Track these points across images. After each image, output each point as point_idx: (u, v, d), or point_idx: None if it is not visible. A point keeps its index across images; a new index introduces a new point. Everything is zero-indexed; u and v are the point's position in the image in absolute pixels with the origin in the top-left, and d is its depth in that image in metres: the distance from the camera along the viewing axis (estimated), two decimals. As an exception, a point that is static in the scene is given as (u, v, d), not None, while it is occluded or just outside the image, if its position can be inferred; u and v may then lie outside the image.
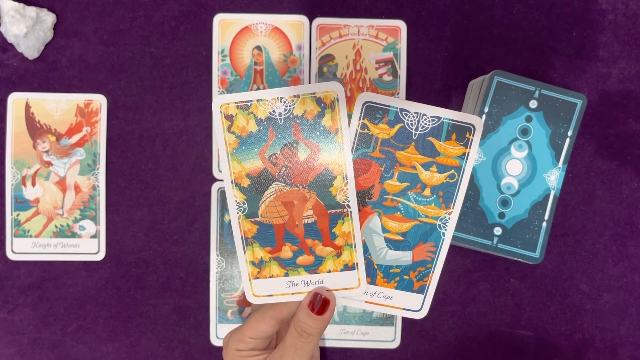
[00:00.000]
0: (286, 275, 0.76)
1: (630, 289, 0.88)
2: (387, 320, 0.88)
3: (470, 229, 0.78)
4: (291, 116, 0.74)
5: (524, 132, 0.77)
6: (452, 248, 0.87)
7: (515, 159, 0.78)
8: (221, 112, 0.74)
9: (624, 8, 0.88)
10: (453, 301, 0.88)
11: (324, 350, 0.88)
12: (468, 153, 0.75)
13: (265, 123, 0.74)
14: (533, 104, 0.77)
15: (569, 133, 0.77)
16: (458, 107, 0.87)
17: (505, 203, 0.78)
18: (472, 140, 0.76)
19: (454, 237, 0.78)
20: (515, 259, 0.79)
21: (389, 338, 0.88)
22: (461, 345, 0.88)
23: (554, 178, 0.78)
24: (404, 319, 0.88)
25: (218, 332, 0.88)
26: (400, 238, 0.77)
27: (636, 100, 0.88)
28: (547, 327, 0.88)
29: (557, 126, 0.77)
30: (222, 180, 0.87)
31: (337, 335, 0.88)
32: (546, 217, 0.78)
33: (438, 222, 0.76)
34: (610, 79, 0.88)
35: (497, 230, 0.78)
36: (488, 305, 0.88)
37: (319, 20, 0.88)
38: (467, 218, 0.78)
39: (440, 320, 0.88)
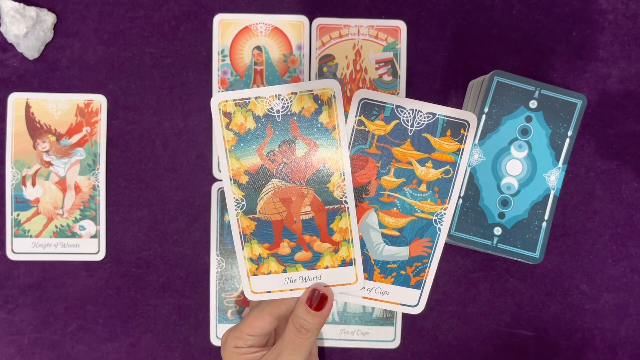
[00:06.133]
0: (284, 271, 0.76)
1: (630, 289, 0.88)
2: (387, 320, 0.88)
3: (470, 229, 0.78)
4: (289, 113, 0.74)
5: (524, 132, 0.77)
6: (452, 248, 0.87)
7: (515, 159, 0.78)
8: (219, 109, 0.75)
9: (624, 8, 0.88)
10: (453, 301, 0.88)
11: (323, 350, 0.88)
12: (463, 149, 0.76)
13: (263, 120, 0.75)
14: (533, 104, 0.77)
15: (569, 133, 0.77)
16: (458, 107, 0.87)
17: (505, 203, 0.78)
18: (466, 136, 0.76)
19: (454, 237, 0.78)
20: (515, 259, 0.79)
21: (389, 338, 0.88)
22: (461, 345, 0.88)
23: (554, 178, 0.78)
24: (404, 319, 0.88)
25: (218, 332, 0.88)
26: (397, 233, 0.77)
27: (636, 100, 0.87)
28: (547, 327, 0.88)
29: (557, 126, 0.77)
30: (222, 180, 0.87)
31: (336, 335, 0.88)
32: (546, 217, 0.78)
33: (434, 218, 0.76)
34: (610, 79, 0.88)
35: (497, 230, 0.78)
36: (488, 305, 0.88)
37: (319, 20, 0.88)
38: (467, 218, 0.78)
39: (440, 320, 0.88)
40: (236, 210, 0.75)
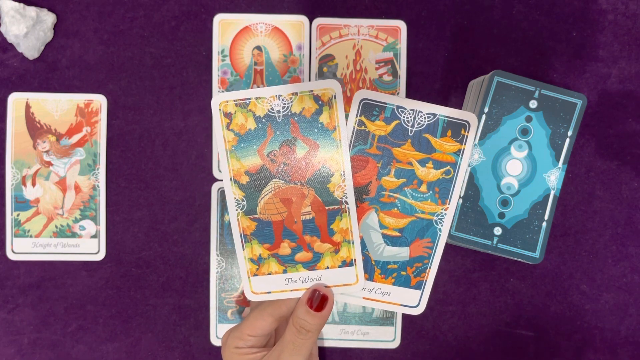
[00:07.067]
0: (285, 272, 0.76)
1: (630, 289, 0.88)
2: (387, 320, 0.88)
3: (470, 229, 0.78)
4: (289, 113, 0.74)
5: (524, 132, 0.77)
6: (452, 248, 0.87)
7: (515, 159, 0.78)
8: (220, 110, 0.75)
9: (624, 8, 0.88)
10: (453, 301, 0.88)
11: (323, 350, 0.88)
12: (463, 149, 0.76)
13: (263, 120, 0.75)
14: (533, 104, 0.77)
15: (569, 133, 0.77)
16: (458, 107, 0.87)
17: (505, 203, 0.78)
18: (467, 136, 0.76)
19: (454, 237, 0.78)
20: (515, 259, 0.79)
21: (389, 338, 0.88)
22: (461, 345, 0.88)
23: (554, 178, 0.78)
24: (404, 319, 0.88)
25: (218, 332, 0.88)
26: (398, 234, 0.77)
27: (636, 100, 0.87)
28: (547, 327, 0.88)
29: (557, 126, 0.77)
30: (222, 181, 0.87)
31: (337, 335, 0.88)
32: (546, 217, 0.78)
33: (434, 218, 0.76)
34: (610, 79, 0.88)
35: (497, 230, 0.78)
36: (488, 305, 0.88)
37: (319, 20, 0.88)
38: (467, 218, 0.78)
39: (440, 320, 0.88)
40: (237, 210, 0.76)
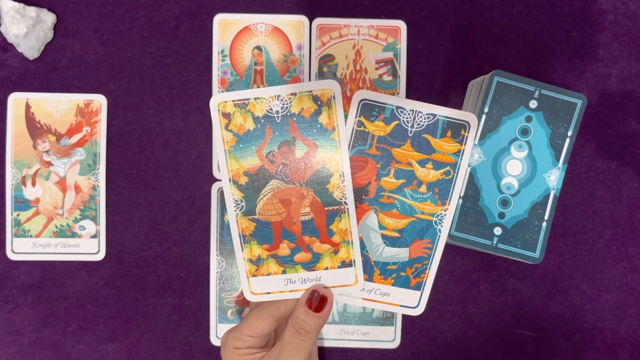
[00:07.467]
0: (284, 272, 0.76)
1: (630, 289, 0.88)
2: (387, 320, 0.88)
3: (470, 229, 0.78)
4: (288, 114, 0.74)
5: (524, 132, 0.77)
6: (452, 248, 0.87)
7: (515, 159, 0.78)
8: (219, 110, 0.75)
9: (624, 8, 0.88)
10: (453, 301, 0.88)
11: (323, 350, 0.88)
12: (463, 150, 0.76)
13: (262, 121, 0.75)
14: (533, 104, 0.77)
15: (569, 133, 0.77)
16: (458, 107, 0.87)
17: (505, 203, 0.78)
18: (467, 137, 0.76)
19: (454, 237, 0.78)
20: (515, 259, 0.79)
21: (389, 338, 0.88)
22: (461, 345, 0.88)
23: (554, 178, 0.78)
24: (404, 319, 0.88)
25: (218, 332, 0.88)
26: (397, 235, 0.77)
27: (636, 100, 0.87)
28: (547, 327, 0.88)
29: (557, 126, 0.77)
30: (221, 180, 0.87)
31: (336, 335, 0.88)
32: (546, 217, 0.78)
33: (434, 219, 0.76)
34: (610, 79, 0.88)
35: (497, 230, 0.78)
36: (488, 305, 0.88)
37: (319, 20, 0.88)
38: (467, 218, 0.78)
39: (440, 320, 0.88)
40: (235, 211, 0.76)
